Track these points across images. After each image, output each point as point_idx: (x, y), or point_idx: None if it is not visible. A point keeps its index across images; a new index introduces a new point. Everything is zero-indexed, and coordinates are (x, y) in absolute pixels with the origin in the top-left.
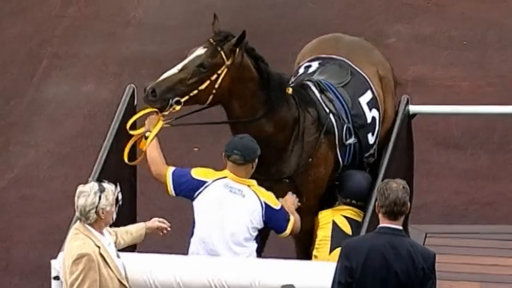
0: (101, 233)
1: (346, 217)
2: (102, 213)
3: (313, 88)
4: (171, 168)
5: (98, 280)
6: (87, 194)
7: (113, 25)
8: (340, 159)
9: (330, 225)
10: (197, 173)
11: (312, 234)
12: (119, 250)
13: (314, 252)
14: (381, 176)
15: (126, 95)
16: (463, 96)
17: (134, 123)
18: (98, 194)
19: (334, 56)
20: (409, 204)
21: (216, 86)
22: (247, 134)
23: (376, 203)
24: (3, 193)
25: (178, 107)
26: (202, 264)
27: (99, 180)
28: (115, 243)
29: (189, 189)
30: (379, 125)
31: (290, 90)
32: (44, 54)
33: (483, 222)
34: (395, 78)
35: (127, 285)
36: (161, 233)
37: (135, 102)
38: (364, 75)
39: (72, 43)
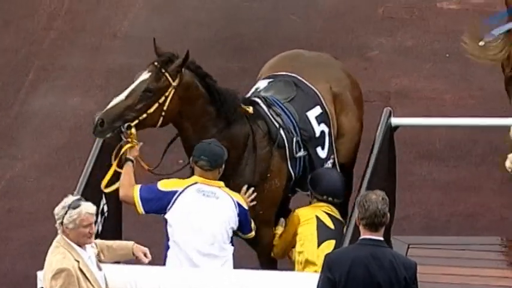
0: (82, 246)
1: (326, 213)
2: (67, 228)
3: (261, 103)
4: (137, 187)
5: None
6: (60, 204)
7: (99, 38)
8: (291, 171)
9: (314, 220)
10: (165, 185)
11: (271, 246)
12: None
13: (298, 249)
14: (363, 188)
15: None
16: (445, 108)
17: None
18: (65, 209)
19: (283, 73)
20: (389, 215)
21: (165, 108)
22: (215, 139)
23: (357, 215)
24: None
25: (133, 130)
26: (186, 276)
27: (84, 193)
28: (97, 255)
29: (159, 203)
30: (329, 140)
31: (251, 109)
32: (31, 67)
33: (465, 234)
34: (356, 94)
35: None
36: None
37: None
38: (316, 90)
39: (58, 56)
